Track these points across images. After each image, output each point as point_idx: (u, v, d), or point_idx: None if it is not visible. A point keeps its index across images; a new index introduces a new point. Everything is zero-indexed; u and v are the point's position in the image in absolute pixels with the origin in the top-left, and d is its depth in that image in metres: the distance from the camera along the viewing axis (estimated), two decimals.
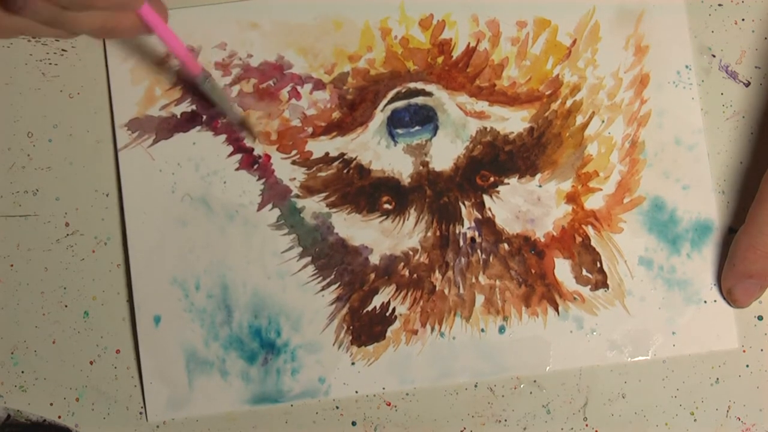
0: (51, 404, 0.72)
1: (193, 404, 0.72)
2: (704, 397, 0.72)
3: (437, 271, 0.72)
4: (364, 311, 0.72)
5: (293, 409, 0.72)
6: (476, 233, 0.72)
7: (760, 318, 0.72)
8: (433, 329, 0.72)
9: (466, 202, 0.72)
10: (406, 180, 0.73)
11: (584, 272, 0.72)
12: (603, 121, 0.73)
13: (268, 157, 0.73)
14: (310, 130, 0.73)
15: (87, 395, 0.72)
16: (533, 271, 0.72)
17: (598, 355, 0.71)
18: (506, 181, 0.73)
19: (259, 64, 0.73)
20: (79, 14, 0.59)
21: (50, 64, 0.74)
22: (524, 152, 0.73)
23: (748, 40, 0.74)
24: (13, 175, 0.74)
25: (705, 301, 0.72)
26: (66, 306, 0.73)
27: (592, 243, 0.72)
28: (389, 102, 0.73)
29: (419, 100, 0.73)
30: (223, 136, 0.73)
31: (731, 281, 0.70)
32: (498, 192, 0.72)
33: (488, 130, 0.73)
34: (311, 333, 0.72)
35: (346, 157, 0.73)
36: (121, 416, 0.72)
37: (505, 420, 0.72)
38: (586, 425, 0.72)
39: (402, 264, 0.72)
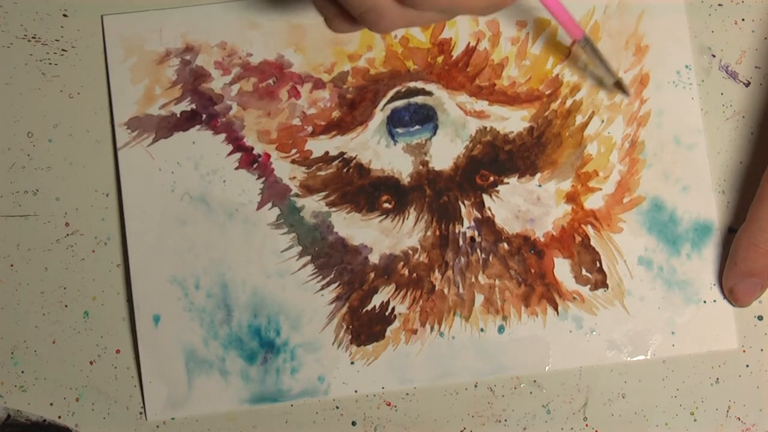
0: (51, 404, 0.72)
1: (193, 404, 0.72)
2: (704, 397, 0.72)
3: (437, 271, 0.72)
4: (364, 310, 0.72)
5: (293, 408, 0.72)
6: (476, 233, 0.72)
7: (760, 318, 0.72)
8: (432, 329, 0.72)
9: (465, 202, 0.72)
10: (405, 179, 0.73)
11: (584, 272, 0.72)
12: (603, 121, 0.73)
13: (268, 156, 0.73)
14: (309, 129, 0.73)
15: (87, 395, 0.72)
16: (533, 271, 0.72)
17: (597, 354, 0.71)
18: (506, 180, 0.73)
19: (259, 63, 0.74)
20: None
21: (50, 64, 0.74)
22: (524, 152, 0.73)
23: (748, 40, 0.74)
24: (13, 175, 0.74)
25: (704, 301, 0.72)
26: (66, 306, 0.73)
27: (592, 243, 0.72)
28: (389, 101, 0.73)
29: (419, 99, 0.73)
30: (223, 135, 0.73)
31: (733, 280, 0.70)
32: (498, 191, 0.72)
33: (488, 129, 0.73)
34: (311, 332, 0.72)
35: (345, 156, 0.73)
36: (121, 416, 0.72)
37: (505, 420, 0.72)
38: (586, 425, 0.72)
39: (401, 263, 0.72)
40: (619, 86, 0.72)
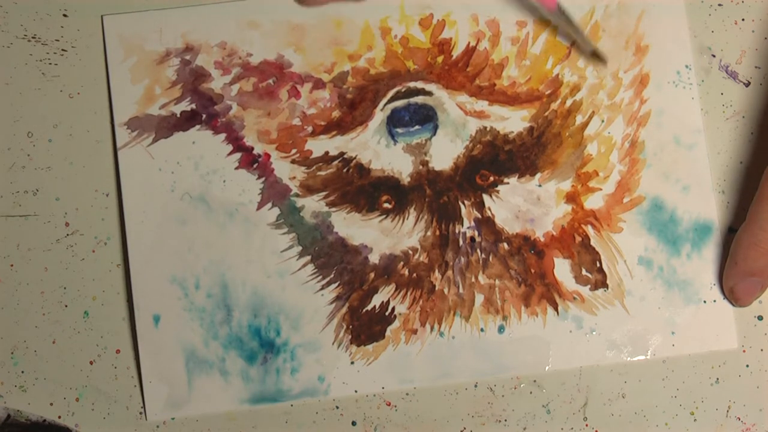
0: (51, 404, 0.72)
1: (193, 404, 0.72)
2: (704, 397, 0.72)
3: (437, 271, 0.72)
4: (364, 310, 0.72)
5: (293, 408, 0.72)
6: (476, 233, 0.72)
7: (760, 318, 0.72)
8: (432, 329, 0.72)
9: (465, 202, 0.72)
10: (405, 179, 0.73)
11: (584, 272, 0.72)
12: (603, 121, 0.73)
13: (268, 155, 0.73)
14: (309, 129, 0.73)
15: (87, 395, 0.72)
16: (533, 271, 0.72)
17: (597, 354, 0.71)
18: (506, 180, 0.73)
19: (259, 63, 0.74)
20: None
21: (50, 64, 0.74)
22: (524, 152, 0.73)
23: (748, 40, 0.74)
24: (13, 175, 0.74)
25: (704, 301, 0.72)
26: (66, 306, 0.73)
27: (592, 243, 0.72)
28: (389, 101, 0.73)
29: (419, 99, 0.73)
30: (223, 135, 0.73)
31: (733, 280, 0.70)
32: (498, 191, 0.72)
33: (488, 129, 0.73)
34: (310, 332, 0.72)
35: (345, 156, 0.73)
36: (121, 416, 0.72)
37: (505, 420, 0.72)
38: (586, 425, 0.72)
39: (401, 263, 0.72)
40: (596, 56, 0.72)
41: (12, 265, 0.73)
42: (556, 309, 0.72)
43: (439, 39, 0.73)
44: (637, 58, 0.73)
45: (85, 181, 0.73)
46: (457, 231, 0.72)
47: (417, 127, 0.73)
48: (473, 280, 0.72)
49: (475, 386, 0.72)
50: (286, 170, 0.73)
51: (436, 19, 0.74)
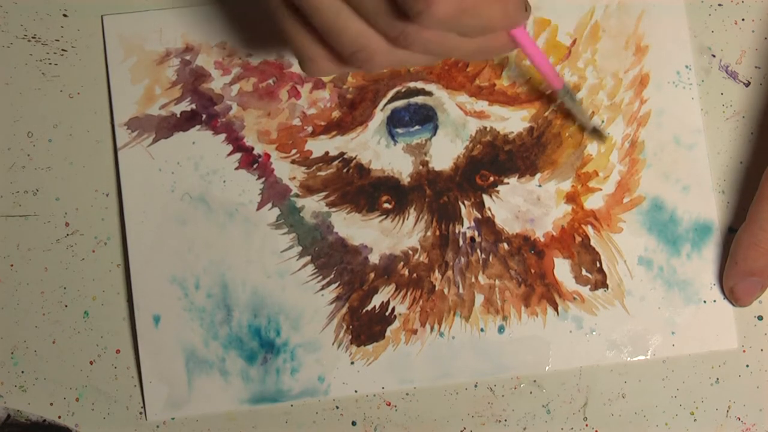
0: (51, 404, 0.72)
1: (193, 404, 0.72)
2: (704, 397, 0.72)
3: (437, 271, 0.72)
4: (364, 311, 0.72)
5: (293, 408, 0.72)
6: (476, 233, 0.72)
7: (760, 318, 0.72)
8: (432, 329, 0.72)
9: (465, 202, 0.72)
10: (405, 179, 0.73)
11: (584, 272, 0.72)
12: (603, 121, 0.73)
13: (268, 156, 0.73)
14: (309, 129, 0.73)
15: (87, 395, 0.72)
16: (533, 271, 0.72)
17: (597, 355, 0.71)
18: (506, 180, 0.73)
19: (259, 63, 0.74)
20: (463, 41, 0.59)
21: (50, 64, 0.74)
22: (524, 152, 0.73)
23: (748, 40, 0.74)
24: (13, 175, 0.74)
25: (705, 301, 0.72)
26: (66, 306, 0.73)
27: (592, 243, 0.72)
28: (389, 101, 0.73)
29: (419, 99, 0.73)
30: (223, 135, 0.73)
31: (733, 279, 0.70)
32: (498, 192, 0.72)
33: (488, 129, 0.73)
34: (311, 332, 0.72)
35: (345, 156, 0.73)
36: (121, 416, 0.72)
37: (505, 420, 0.72)
38: (586, 425, 0.72)
39: (401, 263, 0.72)
40: (596, 134, 0.72)
41: (12, 265, 0.73)
42: (556, 309, 0.72)
43: None
44: (637, 58, 0.73)
45: (85, 181, 0.73)
46: (457, 231, 0.72)
47: (417, 127, 0.73)
48: (473, 280, 0.72)
49: (475, 386, 0.72)
50: (286, 170, 0.73)
51: None
